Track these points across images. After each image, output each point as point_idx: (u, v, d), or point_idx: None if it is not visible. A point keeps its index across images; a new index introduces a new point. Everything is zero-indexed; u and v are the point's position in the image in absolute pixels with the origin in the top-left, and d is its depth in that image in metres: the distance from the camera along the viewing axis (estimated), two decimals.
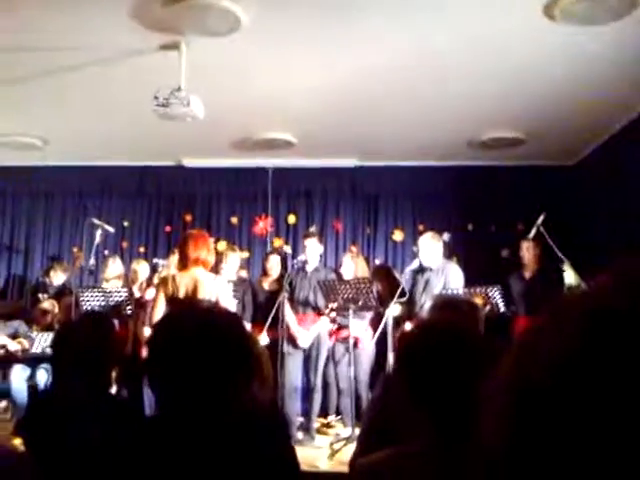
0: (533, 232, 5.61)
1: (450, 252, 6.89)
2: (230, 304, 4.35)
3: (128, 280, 6.21)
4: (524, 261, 5.77)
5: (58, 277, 6.84)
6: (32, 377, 5.77)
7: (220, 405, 1.36)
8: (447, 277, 5.27)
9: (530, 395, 0.45)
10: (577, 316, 0.47)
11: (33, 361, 5.78)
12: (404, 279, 5.45)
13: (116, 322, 4.83)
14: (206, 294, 3.98)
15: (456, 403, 1.34)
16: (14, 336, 5.88)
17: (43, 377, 5.74)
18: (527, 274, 5.77)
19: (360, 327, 5.39)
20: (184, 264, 4.12)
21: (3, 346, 5.53)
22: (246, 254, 7.07)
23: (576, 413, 0.43)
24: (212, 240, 4.40)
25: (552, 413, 0.44)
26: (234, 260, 5.88)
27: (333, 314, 5.42)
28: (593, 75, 4.71)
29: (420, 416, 1.40)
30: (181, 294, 4.03)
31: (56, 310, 6.22)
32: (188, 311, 1.55)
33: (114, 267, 6.26)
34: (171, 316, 1.54)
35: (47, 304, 6.20)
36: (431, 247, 5.38)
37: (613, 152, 5.82)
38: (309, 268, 5.51)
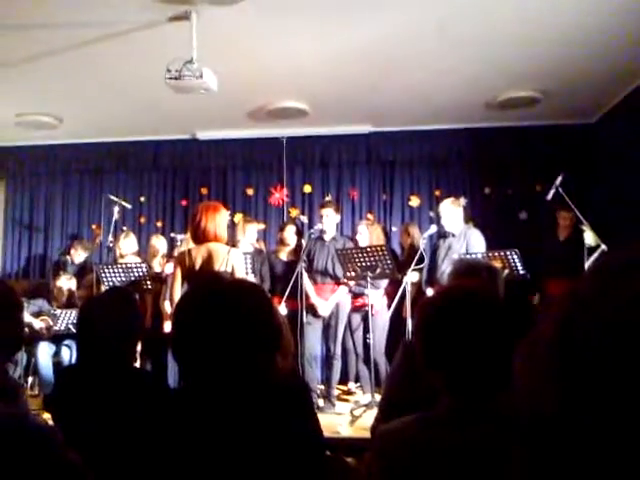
0: (551, 193, 5.54)
1: (467, 216, 6.86)
2: (247, 276, 4.36)
3: (147, 255, 6.26)
4: (559, 227, 5.73)
5: (79, 255, 6.92)
6: (57, 354, 5.89)
7: (245, 376, 1.38)
8: (469, 242, 5.26)
9: (581, 362, 0.44)
10: (625, 273, 0.45)
11: (57, 338, 5.89)
12: (422, 245, 5.43)
13: (136, 297, 4.90)
14: (221, 266, 3.98)
15: (475, 368, 1.34)
16: (38, 314, 5.98)
17: (67, 354, 5.85)
18: (561, 237, 5.74)
19: (376, 295, 5.40)
20: (198, 237, 4.05)
21: (28, 324, 5.62)
22: (262, 225, 7.08)
23: (629, 379, 0.41)
24: (226, 210, 4.31)
25: (610, 374, 0.42)
26: (251, 231, 5.89)
27: (352, 283, 5.43)
28: (610, 29, 4.59)
29: (439, 382, 1.40)
30: (197, 268, 4.04)
31: (74, 287, 6.30)
32: (213, 284, 1.56)
33: (128, 243, 6.30)
34: (197, 289, 1.55)
35: (65, 281, 6.28)
36: (452, 213, 5.36)
37: (634, 108, 5.69)
38: (326, 237, 5.50)
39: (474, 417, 1.32)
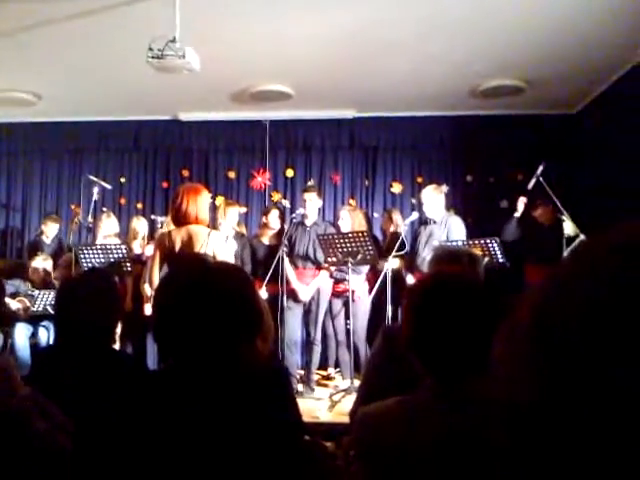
0: (532, 182, 5.58)
1: (449, 204, 6.89)
2: (228, 258, 4.33)
3: (127, 237, 6.20)
4: (540, 220, 5.76)
5: (50, 229, 6.81)
6: (34, 335, 5.82)
7: (224, 359, 1.37)
8: (450, 229, 5.29)
9: (560, 346, 0.44)
10: (606, 255, 0.45)
11: (35, 319, 5.82)
12: (403, 231, 5.45)
13: (116, 279, 4.86)
14: (201, 248, 3.96)
15: (459, 351, 1.35)
16: (15, 295, 5.90)
17: (44, 335, 5.80)
18: (544, 225, 5.79)
19: (357, 281, 5.42)
20: (178, 219, 4.01)
21: (6, 305, 5.55)
22: (244, 209, 7.05)
23: (610, 361, 0.41)
24: (208, 193, 4.26)
25: (587, 359, 0.42)
26: (233, 215, 5.85)
27: (333, 268, 5.43)
28: (593, 21, 4.60)
29: (424, 368, 1.41)
30: (177, 249, 4.01)
31: (50, 267, 6.21)
32: (196, 266, 1.55)
33: (109, 223, 6.23)
34: (179, 270, 1.53)
35: (41, 262, 6.20)
36: (433, 199, 5.39)
37: (615, 99, 5.74)
38: (308, 222, 5.49)
39: (457, 400, 1.34)
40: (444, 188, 6.92)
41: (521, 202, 5.77)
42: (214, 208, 6.08)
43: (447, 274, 1.62)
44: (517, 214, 5.77)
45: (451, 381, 1.36)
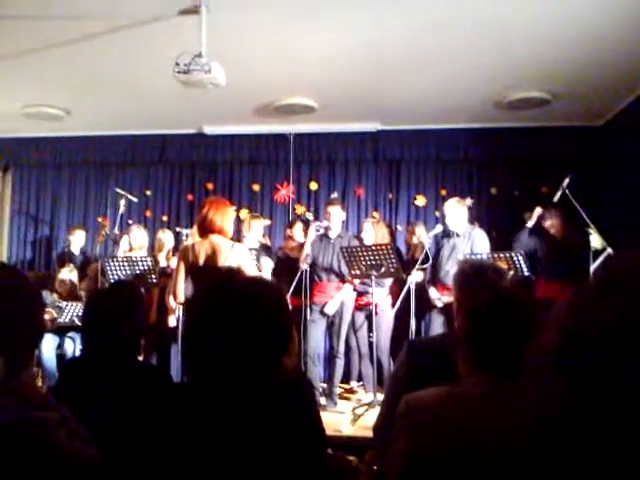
0: (558, 195, 5.53)
1: (473, 217, 6.85)
2: (254, 271, 4.34)
3: (154, 249, 6.27)
4: (551, 232, 5.72)
5: (77, 238, 6.90)
6: (60, 346, 5.89)
7: (251, 374, 1.38)
8: (474, 242, 5.26)
9: (579, 372, 0.44)
10: (635, 275, 0.45)
11: (61, 330, 5.90)
12: (427, 244, 5.43)
13: (142, 290, 4.90)
14: (224, 261, 3.98)
15: (516, 356, 1.42)
16: None
17: (70, 346, 5.86)
18: (557, 237, 5.73)
19: (380, 294, 5.40)
20: (202, 231, 4.06)
21: None
22: (268, 222, 7.09)
23: (629, 388, 0.41)
24: (233, 208, 4.33)
25: (613, 381, 0.42)
26: (258, 227, 5.89)
27: (356, 281, 5.42)
28: (620, 32, 4.56)
29: (473, 368, 1.52)
30: (201, 262, 4.03)
31: (76, 279, 6.29)
32: (229, 281, 1.56)
33: (138, 236, 6.31)
34: (212, 285, 1.54)
35: (67, 273, 6.28)
36: (457, 212, 5.37)
37: None
38: (332, 235, 5.49)
39: (503, 396, 1.38)
40: (468, 201, 6.90)
41: (536, 213, 5.72)
42: (238, 221, 6.13)
43: (502, 289, 1.87)
44: (529, 224, 5.72)
45: (501, 377, 1.43)
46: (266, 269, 5.06)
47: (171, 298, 5.02)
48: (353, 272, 5.14)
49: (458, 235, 5.34)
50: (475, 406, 1.40)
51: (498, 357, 1.47)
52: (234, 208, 4.50)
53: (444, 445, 1.34)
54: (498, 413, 1.34)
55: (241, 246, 4.23)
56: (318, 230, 5.45)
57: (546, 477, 0.49)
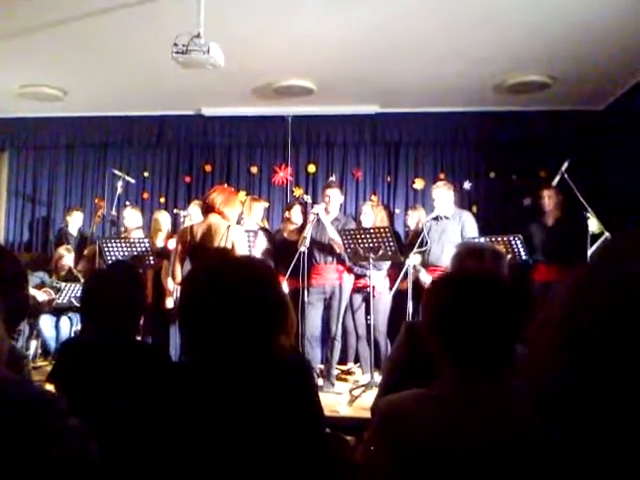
0: (557, 179, 5.52)
1: (471, 201, 6.85)
2: (246, 251, 4.39)
3: (151, 230, 6.26)
4: (545, 209, 5.72)
5: (75, 219, 6.91)
6: (57, 325, 5.92)
7: (249, 353, 1.39)
8: (464, 226, 5.36)
9: (588, 343, 0.44)
10: (635, 255, 0.45)
11: (58, 311, 5.92)
12: (425, 228, 5.44)
13: (140, 271, 4.92)
14: (220, 241, 4.03)
15: (481, 345, 1.37)
16: (40, 286, 6.00)
17: (66, 325, 5.89)
18: (549, 222, 5.72)
19: (378, 277, 5.41)
20: (203, 209, 4.26)
21: (32, 297, 5.65)
22: (267, 204, 7.08)
23: (634, 360, 0.42)
24: (240, 199, 4.47)
25: (604, 361, 0.43)
26: (258, 210, 5.90)
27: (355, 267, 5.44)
28: (621, 16, 4.53)
29: (444, 362, 1.43)
30: (198, 242, 4.11)
31: (72, 259, 6.29)
32: (223, 260, 1.56)
33: (134, 217, 6.30)
34: (204, 265, 1.55)
35: (64, 253, 6.28)
36: (445, 196, 5.49)
37: None
38: (329, 218, 5.49)
39: (477, 392, 1.35)
40: (467, 185, 6.91)
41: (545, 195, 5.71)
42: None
43: (474, 270, 1.64)
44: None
45: (472, 373, 1.38)
46: (258, 248, 5.06)
47: (169, 279, 5.04)
48: (346, 253, 5.17)
49: (447, 218, 5.44)
50: (449, 407, 1.35)
51: (468, 351, 1.40)
52: (241, 200, 4.61)
53: (423, 451, 1.31)
54: (474, 411, 1.32)
55: (237, 227, 4.27)
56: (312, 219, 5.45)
57: (544, 461, 0.50)
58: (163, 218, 6.20)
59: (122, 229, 6.33)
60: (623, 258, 0.46)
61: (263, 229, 5.87)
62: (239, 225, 5.29)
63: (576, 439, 0.46)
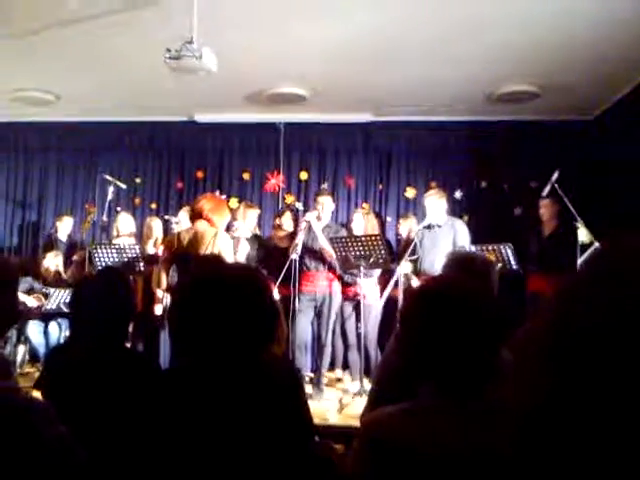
0: (547, 189, 5.54)
1: (462, 210, 6.87)
2: (231, 258, 4.39)
3: (142, 237, 6.24)
4: (543, 219, 5.76)
5: (65, 225, 6.87)
6: (45, 331, 5.88)
7: (240, 360, 1.38)
8: (456, 234, 5.33)
9: (571, 362, 0.44)
10: (621, 267, 0.45)
11: (47, 316, 5.88)
12: (416, 236, 5.45)
13: (130, 278, 4.89)
14: (207, 248, 4.02)
15: (462, 361, 1.34)
16: (29, 291, 5.96)
17: (55, 330, 5.85)
18: (545, 232, 5.76)
19: (368, 285, 5.41)
20: (191, 216, 4.28)
21: (22, 302, 5.61)
22: (259, 211, 7.07)
23: (620, 378, 0.42)
24: (228, 210, 4.47)
25: (594, 380, 0.43)
26: (252, 217, 5.90)
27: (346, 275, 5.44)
28: (612, 25, 4.57)
29: (419, 373, 1.42)
30: (184, 249, 4.11)
31: (61, 264, 6.26)
32: (215, 268, 1.56)
33: (126, 223, 6.28)
34: (196, 273, 1.55)
35: (52, 259, 6.25)
36: (437, 205, 5.46)
37: (634, 105, 5.68)
38: (320, 225, 5.49)
39: (459, 408, 1.34)
40: (458, 194, 6.93)
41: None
42: (230, 210, 6.15)
43: (452, 280, 1.61)
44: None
45: (454, 389, 1.35)
46: (241, 253, 5.05)
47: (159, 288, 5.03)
48: (338, 261, 5.16)
49: (439, 226, 5.42)
50: (431, 422, 1.33)
51: (445, 366, 1.35)
52: (233, 206, 4.63)
53: (406, 466, 1.29)
54: (456, 426, 1.30)
55: (224, 235, 4.27)
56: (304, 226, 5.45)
57: (526, 470, 0.49)
58: (155, 225, 6.19)
59: (114, 233, 6.30)
60: (612, 270, 0.46)
61: (255, 236, 5.88)
62: (230, 232, 5.30)
63: (558, 450, 0.46)
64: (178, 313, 1.45)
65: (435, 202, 5.47)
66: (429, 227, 5.47)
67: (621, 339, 0.42)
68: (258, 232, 6.41)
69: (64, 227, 6.91)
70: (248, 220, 5.79)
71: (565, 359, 0.46)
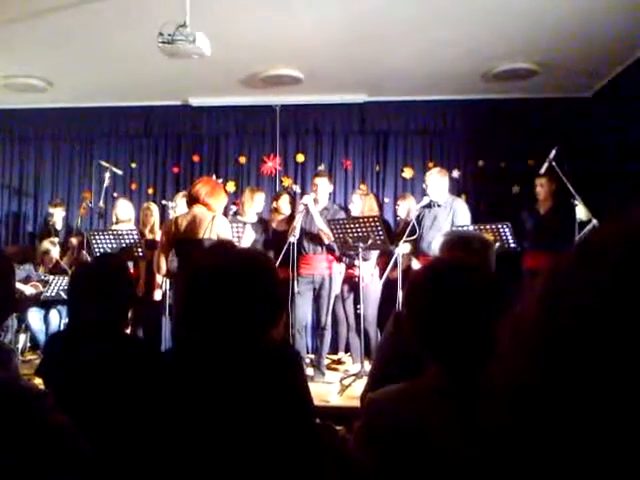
0: (545, 167, 5.53)
1: (460, 189, 6.85)
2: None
3: (139, 222, 6.22)
4: (539, 197, 5.75)
5: (60, 210, 6.85)
6: (45, 318, 5.89)
7: (242, 344, 1.38)
8: (455, 213, 5.28)
9: (559, 341, 0.44)
10: (613, 243, 0.45)
11: (46, 303, 5.89)
12: (414, 216, 5.44)
13: (129, 264, 4.90)
14: (205, 232, 4.02)
15: (465, 340, 1.35)
16: (27, 279, 5.96)
17: (56, 317, 5.86)
18: (541, 210, 5.75)
19: (367, 266, 5.41)
20: (188, 201, 4.25)
21: (20, 291, 5.62)
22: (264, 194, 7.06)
23: (606, 358, 0.41)
24: (224, 195, 4.44)
25: (581, 360, 0.43)
26: (259, 201, 5.93)
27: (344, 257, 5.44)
28: (609, 2, 4.53)
29: (427, 354, 1.42)
30: (182, 233, 4.11)
31: (57, 251, 6.24)
32: (222, 252, 1.55)
33: (125, 209, 6.26)
34: (203, 257, 1.54)
35: (50, 246, 6.24)
36: (439, 183, 5.37)
37: (631, 82, 5.65)
38: (318, 207, 5.48)
39: (462, 388, 1.34)
40: (455, 173, 6.90)
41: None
42: (236, 196, 6.20)
43: (449, 261, 1.61)
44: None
45: (457, 368, 1.35)
46: (246, 240, 5.05)
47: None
48: (337, 243, 5.15)
49: (439, 205, 5.36)
50: (432, 402, 1.33)
51: (448, 346, 1.36)
52: (224, 192, 4.59)
53: (408, 445, 1.30)
54: (458, 406, 1.29)
55: (222, 218, 4.26)
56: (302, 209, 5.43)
57: (519, 458, 0.50)
58: (153, 210, 6.18)
59: (113, 219, 6.28)
60: (607, 250, 0.46)
61: (261, 219, 5.90)
62: (235, 217, 5.32)
63: (551, 429, 0.46)
64: (181, 297, 1.45)
65: (437, 180, 5.37)
66: (429, 206, 5.41)
67: (604, 321, 0.42)
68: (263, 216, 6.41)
69: (60, 213, 6.89)
70: (255, 204, 5.82)
71: (553, 337, 0.45)
